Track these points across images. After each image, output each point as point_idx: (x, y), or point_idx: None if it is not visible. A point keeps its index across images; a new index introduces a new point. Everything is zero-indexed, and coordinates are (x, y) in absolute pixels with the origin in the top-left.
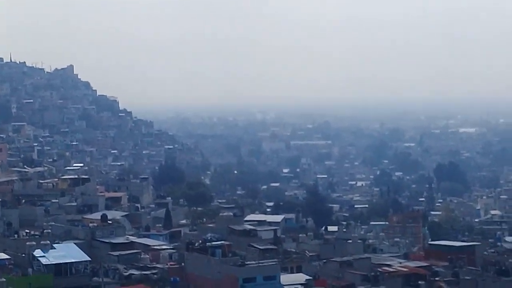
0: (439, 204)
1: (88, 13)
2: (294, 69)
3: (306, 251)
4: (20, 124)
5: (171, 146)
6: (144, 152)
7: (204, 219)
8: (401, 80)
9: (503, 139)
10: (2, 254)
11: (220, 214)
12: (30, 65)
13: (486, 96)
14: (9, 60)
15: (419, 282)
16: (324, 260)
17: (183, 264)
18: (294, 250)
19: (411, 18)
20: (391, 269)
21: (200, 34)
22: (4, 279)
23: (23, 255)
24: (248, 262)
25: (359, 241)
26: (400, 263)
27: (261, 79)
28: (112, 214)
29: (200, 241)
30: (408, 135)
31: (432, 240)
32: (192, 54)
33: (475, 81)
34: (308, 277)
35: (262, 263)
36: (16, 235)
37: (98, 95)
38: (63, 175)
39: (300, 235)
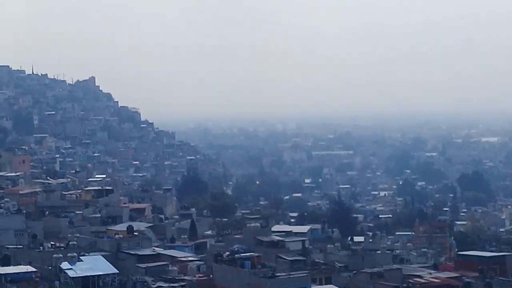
0: (463, 214)
1: (108, 25)
2: (312, 78)
3: (336, 262)
4: (42, 136)
5: (192, 157)
6: (166, 163)
7: (229, 230)
8: (421, 89)
9: None
10: (29, 266)
11: (247, 225)
12: (52, 77)
13: (508, 105)
14: (31, 73)
15: None
16: (354, 272)
17: (211, 276)
18: (322, 261)
19: (431, 25)
20: (422, 280)
21: (220, 43)
22: None
23: (50, 267)
24: (278, 274)
25: (387, 251)
26: (430, 274)
27: (280, 89)
28: (136, 226)
29: (228, 253)
30: (430, 144)
31: (458, 251)
32: (212, 64)
33: (495, 90)
34: None
35: (292, 274)
36: (41, 247)
37: (120, 106)
38: (86, 187)
39: (328, 245)
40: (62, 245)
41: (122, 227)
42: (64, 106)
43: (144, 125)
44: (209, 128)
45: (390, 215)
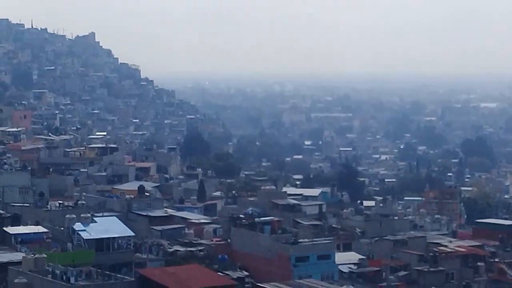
0: (467, 180)
1: None
2: (310, 40)
3: (357, 229)
4: (42, 91)
5: (193, 116)
6: (166, 122)
7: (235, 192)
8: (419, 55)
9: None
10: (39, 227)
11: (262, 187)
12: (52, 32)
13: (505, 71)
14: (30, 27)
15: (478, 263)
16: (376, 238)
17: (228, 240)
18: (338, 227)
19: None
20: (448, 249)
21: (218, 5)
22: (45, 255)
23: (62, 228)
24: (301, 240)
25: (405, 218)
26: (451, 242)
27: (277, 50)
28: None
29: (242, 216)
30: (429, 108)
31: (468, 217)
32: (210, 25)
33: (493, 57)
34: (361, 257)
35: (316, 241)
36: (48, 206)
37: (120, 63)
38: (90, 144)
39: (344, 210)
40: (70, 204)
41: (129, 186)
42: (64, 62)
43: (144, 83)
44: (206, 88)
45: (394, 180)
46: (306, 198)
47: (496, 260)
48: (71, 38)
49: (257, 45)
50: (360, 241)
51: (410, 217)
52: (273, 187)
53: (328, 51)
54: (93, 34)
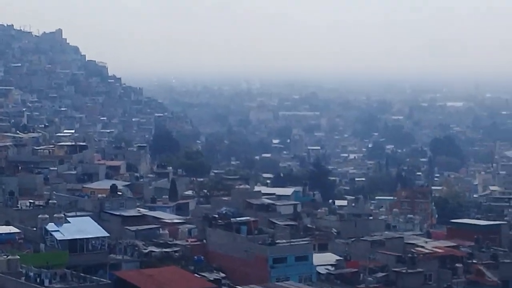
0: (436, 179)
1: None
2: (276, 39)
3: (333, 229)
4: (8, 89)
5: (161, 114)
6: (133, 119)
7: (207, 191)
8: (385, 54)
9: (492, 113)
10: (11, 227)
11: (236, 186)
12: (18, 29)
13: (469, 70)
14: None
15: (456, 264)
16: (352, 239)
17: (204, 241)
18: (313, 227)
19: None
20: (425, 250)
21: (185, 3)
22: (18, 257)
23: (34, 229)
24: (278, 241)
25: (380, 218)
26: (426, 242)
27: (244, 48)
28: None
29: (216, 216)
30: (396, 108)
31: (439, 217)
32: (175, 22)
33: (457, 57)
34: (338, 257)
35: (293, 242)
36: (18, 205)
37: (87, 60)
38: (59, 142)
39: (319, 210)
40: (41, 203)
41: (100, 185)
42: (30, 59)
43: (112, 80)
44: (173, 85)
45: (363, 178)
46: (279, 197)
47: (474, 261)
48: (37, 34)
49: (224, 43)
50: (336, 242)
51: (383, 217)
52: (248, 186)
53: (294, 50)
54: (60, 30)
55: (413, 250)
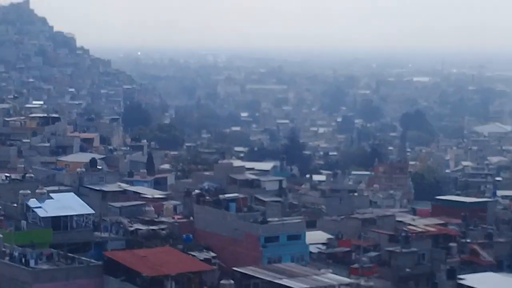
0: (408, 154)
1: None
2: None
3: (322, 206)
4: None
5: (129, 86)
6: (102, 91)
7: (181, 164)
8: (348, 30)
9: (458, 88)
10: None
11: (219, 161)
12: None
13: (434, 46)
14: None
15: (450, 244)
16: (342, 216)
17: (191, 218)
18: (297, 203)
19: None
20: (418, 229)
21: None
22: (1, 235)
23: (15, 205)
24: (270, 219)
25: (365, 194)
26: (414, 220)
27: (210, 24)
28: (87, 157)
29: (199, 191)
30: (362, 82)
31: (416, 192)
32: None
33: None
34: (329, 236)
35: (286, 220)
36: None
37: (55, 31)
38: (31, 113)
39: (303, 186)
40: (17, 177)
41: (75, 158)
42: None
43: (80, 52)
44: (139, 58)
45: (335, 153)
46: (261, 172)
47: (468, 240)
48: (5, 5)
49: (189, 14)
50: (324, 218)
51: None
52: (231, 161)
53: (262, 30)
54: (27, 1)
55: (406, 229)
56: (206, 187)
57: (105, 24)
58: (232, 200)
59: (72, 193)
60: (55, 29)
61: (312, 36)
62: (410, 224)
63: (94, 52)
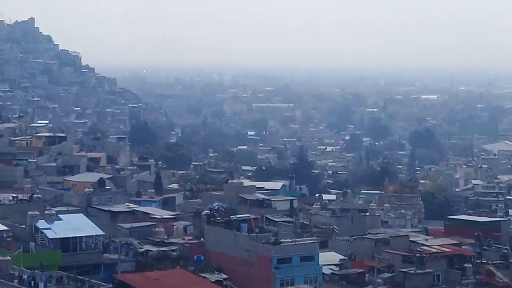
0: (418, 173)
1: None
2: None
3: (334, 227)
4: None
5: (135, 105)
6: (108, 110)
7: (189, 184)
8: (354, 49)
9: (466, 106)
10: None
11: (229, 181)
12: None
13: (442, 63)
14: None
15: (465, 265)
16: (354, 237)
17: (202, 239)
18: (308, 223)
19: None
20: (432, 250)
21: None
22: (10, 257)
23: (23, 226)
24: (282, 240)
25: (376, 214)
26: (427, 240)
27: (216, 43)
28: (94, 177)
29: (209, 212)
30: (370, 100)
31: (426, 211)
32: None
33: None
34: (341, 257)
35: (298, 241)
36: (0, 199)
37: (60, 49)
38: (37, 132)
39: (314, 206)
40: (24, 197)
41: (82, 177)
42: (2, 48)
43: (85, 70)
44: (144, 76)
45: (343, 172)
46: (269, 192)
47: (483, 261)
48: (9, 23)
49: (193, 36)
50: (336, 239)
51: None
52: (241, 180)
53: (268, 47)
54: (32, 19)
55: (420, 249)
56: (216, 207)
57: (110, 43)
58: (244, 220)
59: (81, 214)
60: (60, 47)
61: (318, 54)
62: (423, 245)
63: (99, 70)
